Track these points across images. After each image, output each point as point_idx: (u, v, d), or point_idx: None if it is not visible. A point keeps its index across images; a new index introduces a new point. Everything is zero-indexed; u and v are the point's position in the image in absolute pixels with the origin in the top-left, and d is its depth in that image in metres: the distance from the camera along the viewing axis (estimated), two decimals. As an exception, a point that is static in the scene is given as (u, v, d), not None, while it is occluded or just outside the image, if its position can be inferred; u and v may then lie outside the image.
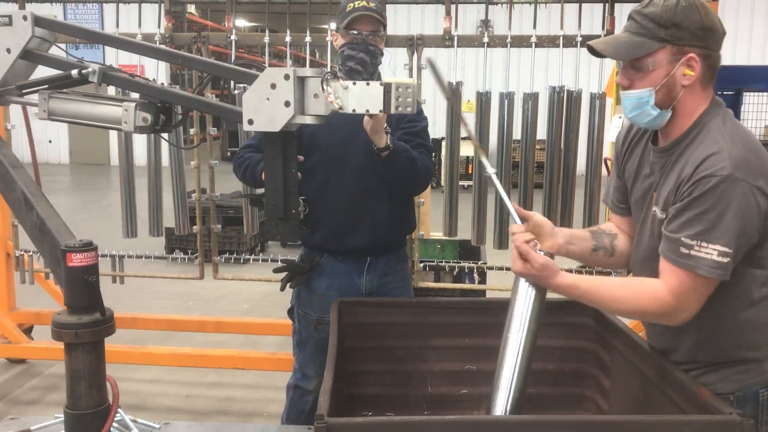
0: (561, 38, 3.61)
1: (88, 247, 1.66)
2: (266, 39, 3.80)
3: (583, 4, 3.67)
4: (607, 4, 3.63)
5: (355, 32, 2.48)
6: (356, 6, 2.48)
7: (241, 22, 22.76)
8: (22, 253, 4.29)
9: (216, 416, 3.91)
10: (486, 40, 3.68)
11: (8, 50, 1.88)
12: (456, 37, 3.68)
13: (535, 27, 3.66)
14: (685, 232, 1.58)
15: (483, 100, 3.70)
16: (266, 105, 1.74)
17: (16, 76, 1.94)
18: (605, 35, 3.59)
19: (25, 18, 1.86)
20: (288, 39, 3.79)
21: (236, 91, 3.60)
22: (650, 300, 1.64)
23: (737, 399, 1.67)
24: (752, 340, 1.70)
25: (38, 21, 1.89)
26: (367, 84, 1.74)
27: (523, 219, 1.82)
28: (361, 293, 2.64)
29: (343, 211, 2.55)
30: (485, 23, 4.39)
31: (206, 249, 4.27)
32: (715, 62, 1.66)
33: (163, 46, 1.99)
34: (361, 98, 1.75)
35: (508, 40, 3.65)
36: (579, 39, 3.60)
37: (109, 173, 15.27)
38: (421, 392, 2.26)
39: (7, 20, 1.86)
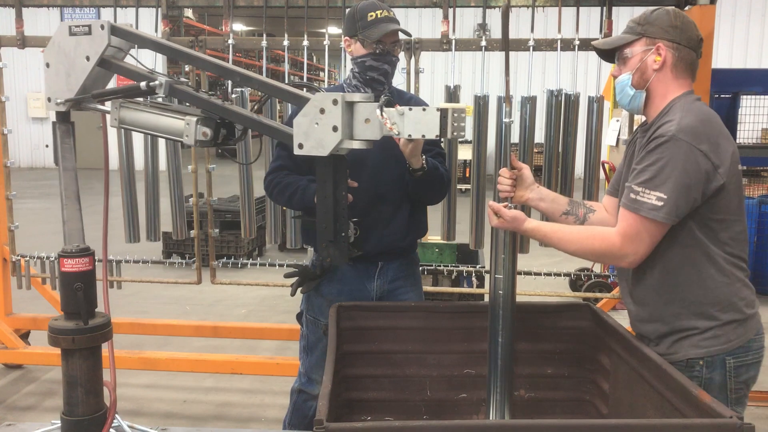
0: (558, 42, 3.61)
1: (83, 252, 1.65)
2: (264, 43, 3.80)
3: (581, 8, 3.67)
4: (604, 8, 3.63)
5: (381, 44, 2.47)
6: (379, 16, 2.46)
7: (239, 26, 22.78)
8: (19, 258, 4.28)
9: (213, 421, 3.89)
10: (484, 43, 3.68)
11: (87, 58, 1.95)
12: (453, 41, 3.68)
13: (532, 30, 3.66)
14: (635, 181, 1.89)
15: (481, 103, 3.70)
16: (315, 129, 1.78)
17: (94, 84, 2.01)
18: (603, 38, 3.60)
19: (102, 27, 1.94)
20: (285, 43, 3.79)
21: (233, 96, 3.60)
22: (598, 241, 1.94)
23: (706, 363, 1.91)
24: (718, 299, 1.91)
25: (114, 30, 1.96)
26: (424, 110, 1.78)
27: (515, 168, 2.21)
28: (372, 298, 2.62)
29: (360, 214, 2.48)
30: (482, 27, 4.39)
31: (204, 253, 4.26)
32: (687, 57, 1.99)
33: (222, 63, 2.04)
34: (417, 123, 1.79)
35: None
36: (576, 42, 3.61)
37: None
38: (420, 397, 2.25)
39: (87, 29, 1.94)
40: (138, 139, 4.59)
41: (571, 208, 2.24)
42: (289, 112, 3.12)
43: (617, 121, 5.76)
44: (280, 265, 4.34)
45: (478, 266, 4.39)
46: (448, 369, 2.26)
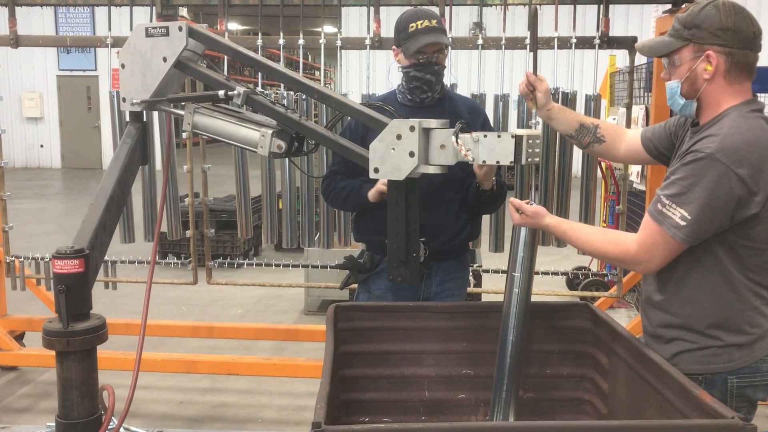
0: (555, 40, 3.60)
1: (75, 254, 1.63)
2: (259, 42, 3.78)
3: (577, 6, 3.66)
4: (601, 6, 3.62)
5: (422, 55, 2.47)
6: (419, 27, 2.46)
7: (234, 26, 22.71)
8: (13, 259, 4.25)
9: (210, 422, 3.87)
10: (480, 42, 3.67)
11: (164, 59, 1.96)
12: (450, 39, 3.66)
13: (529, 29, 3.64)
14: (665, 192, 1.80)
15: (478, 102, 3.68)
16: (392, 155, 1.83)
17: (167, 86, 2.03)
18: (599, 36, 3.60)
19: (180, 29, 1.94)
20: (281, 42, 3.77)
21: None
22: (613, 245, 1.89)
23: (705, 380, 1.85)
24: (725, 323, 1.84)
25: (192, 33, 1.96)
26: (499, 136, 1.82)
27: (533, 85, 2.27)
28: (419, 298, 2.63)
29: None
30: (478, 25, 4.38)
31: (199, 254, 4.24)
32: (742, 60, 1.81)
33: (303, 78, 2.07)
34: (491, 150, 1.83)
35: (503, 42, 3.64)
36: (573, 41, 3.60)
37: (100, 177, 15.16)
38: (418, 397, 2.23)
39: (164, 31, 1.95)
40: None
41: (577, 135, 2.25)
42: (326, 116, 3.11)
43: (614, 119, 5.76)
44: (276, 265, 4.32)
45: (475, 265, 4.38)
46: (446, 369, 2.24)
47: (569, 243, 2.04)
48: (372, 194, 2.48)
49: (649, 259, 1.83)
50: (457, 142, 1.80)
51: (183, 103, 2.06)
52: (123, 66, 2.01)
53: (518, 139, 1.83)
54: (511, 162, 1.84)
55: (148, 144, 2.13)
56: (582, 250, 2.02)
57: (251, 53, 2.07)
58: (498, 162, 1.85)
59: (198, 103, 2.03)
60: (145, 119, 2.10)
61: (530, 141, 1.84)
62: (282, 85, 3.40)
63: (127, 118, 2.06)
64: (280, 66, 2.14)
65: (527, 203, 2.00)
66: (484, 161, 1.85)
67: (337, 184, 2.63)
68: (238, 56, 2.05)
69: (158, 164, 3.96)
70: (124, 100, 2.03)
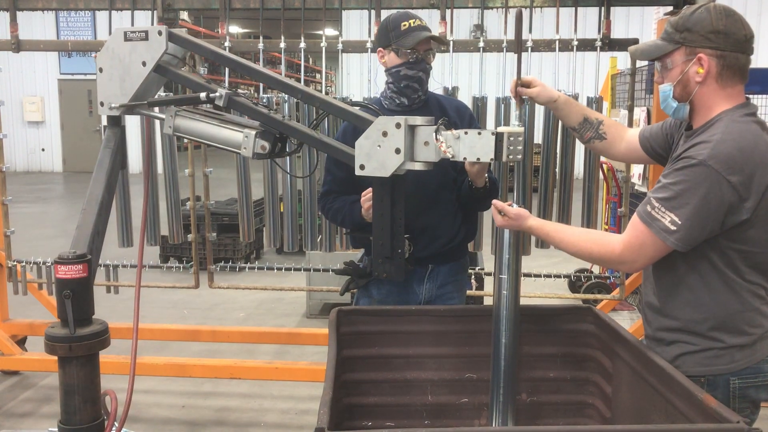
0: (557, 42, 3.60)
1: (78, 259, 1.62)
2: (260, 45, 3.78)
3: (579, 8, 3.65)
4: (602, 8, 3.62)
5: (415, 52, 2.48)
6: (412, 25, 2.48)
7: (235, 29, 22.74)
8: (15, 263, 4.25)
9: (212, 427, 3.86)
10: (482, 44, 3.66)
11: (144, 63, 1.97)
12: (451, 42, 3.66)
13: (530, 31, 3.64)
14: (656, 195, 1.80)
15: (479, 105, 3.69)
16: (378, 152, 1.84)
17: (146, 90, 2.02)
18: (601, 39, 3.60)
19: (159, 33, 1.94)
20: (282, 45, 3.77)
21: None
22: (597, 246, 1.90)
23: (708, 382, 1.84)
24: (725, 325, 1.83)
25: (172, 37, 1.96)
26: (479, 133, 1.83)
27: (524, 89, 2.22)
28: (420, 301, 2.63)
29: (409, 220, 2.53)
30: (479, 27, 4.38)
31: (201, 257, 4.23)
32: (734, 62, 1.80)
33: (286, 79, 2.07)
34: (472, 147, 1.83)
35: (504, 44, 3.64)
36: (575, 43, 3.59)
37: (102, 181, 15.15)
38: (421, 401, 2.23)
39: (143, 35, 1.95)
40: (134, 142, 4.56)
41: (580, 128, 2.23)
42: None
43: (616, 120, 5.75)
44: (278, 269, 4.32)
45: (477, 268, 4.37)
46: (449, 373, 2.24)
47: (553, 245, 2.03)
48: (365, 213, 2.42)
49: (634, 260, 1.84)
50: (437, 138, 1.80)
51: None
52: (101, 70, 2.01)
53: (499, 136, 1.82)
54: (491, 159, 1.83)
55: (125, 148, 2.13)
56: (566, 251, 1.99)
57: (231, 55, 2.07)
58: (479, 159, 1.85)
59: (179, 106, 2.02)
60: (143, 123, 2.10)
61: (511, 138, 1.83)
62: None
63: (104, 122, 2.06)
64: (259, 67, 2.11)
65: (509, 205, 1.99)
66: (465, 158, 1.85)
67: (332, 204, 2.62)
68: (217, 58, 2.04)
69: (159, 167, 3.96)
70: (102, 104, 2.03)
